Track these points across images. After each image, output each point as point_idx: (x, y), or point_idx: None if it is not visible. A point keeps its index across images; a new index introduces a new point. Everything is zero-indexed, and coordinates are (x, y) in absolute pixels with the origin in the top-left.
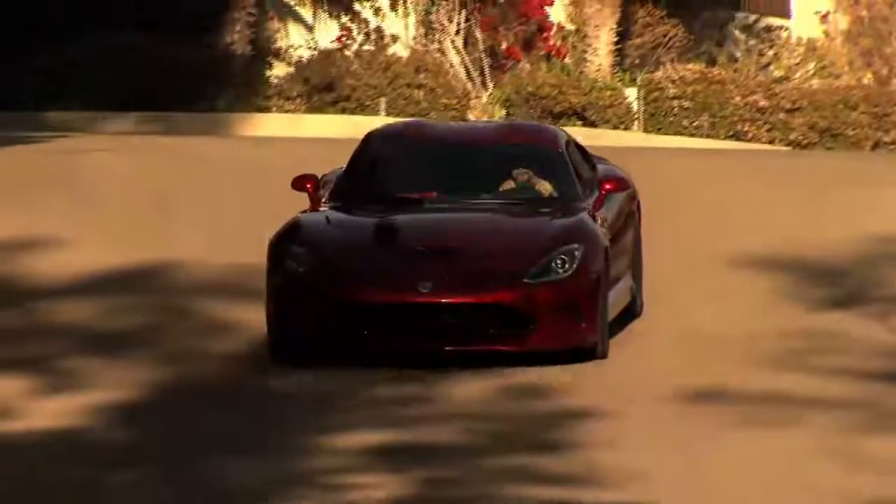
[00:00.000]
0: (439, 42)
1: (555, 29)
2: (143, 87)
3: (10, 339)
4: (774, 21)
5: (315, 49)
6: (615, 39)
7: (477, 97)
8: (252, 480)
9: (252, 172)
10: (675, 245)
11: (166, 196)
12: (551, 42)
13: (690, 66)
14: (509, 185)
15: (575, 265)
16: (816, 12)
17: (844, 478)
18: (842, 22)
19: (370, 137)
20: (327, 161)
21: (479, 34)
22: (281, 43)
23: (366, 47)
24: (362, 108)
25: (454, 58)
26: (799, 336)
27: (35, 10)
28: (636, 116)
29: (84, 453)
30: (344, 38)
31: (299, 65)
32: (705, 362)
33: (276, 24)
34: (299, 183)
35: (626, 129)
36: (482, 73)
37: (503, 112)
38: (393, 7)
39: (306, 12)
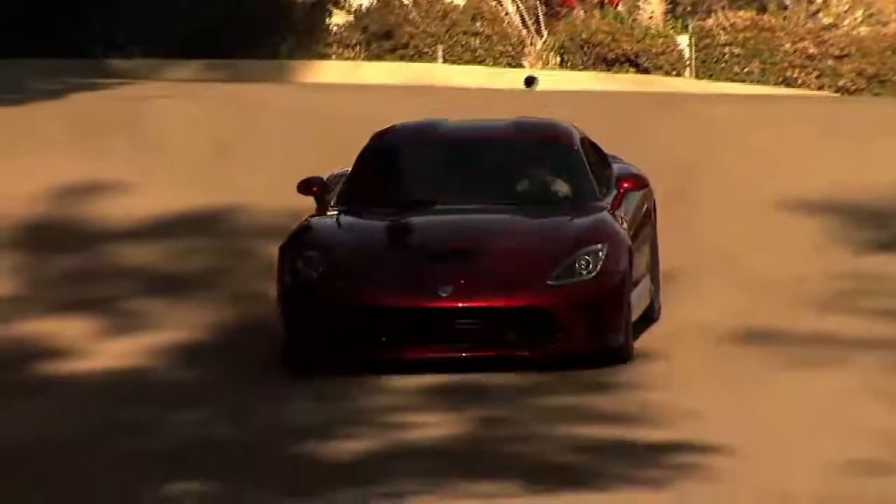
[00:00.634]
0: None
1: None
2: (205, 34)
3: (78, 281)
4: None
5: None
6: None
7: (532, 44)
8: (312, 418)
9: (312, 119)
10: (724, 190)
11: (228, 141)
12: None
13: (741, 13)
14: (523, 184)
15: (599, 266)
16: None
17: (888, 417)
18: None
19: (377, 139)
20: (385, 108)
21: None
22: None
23: None
24: (420, 56)
25: (510, 6)
26: (846, 278)
27: None
28: (688, 63)
29: (149, 392)
30: None
31: (358, 13)
32: (755, 304)
33: None
34: (305, 186)
35: (677, 75)
36: (537, 21)
37: (557, 59)
38: None
39: None
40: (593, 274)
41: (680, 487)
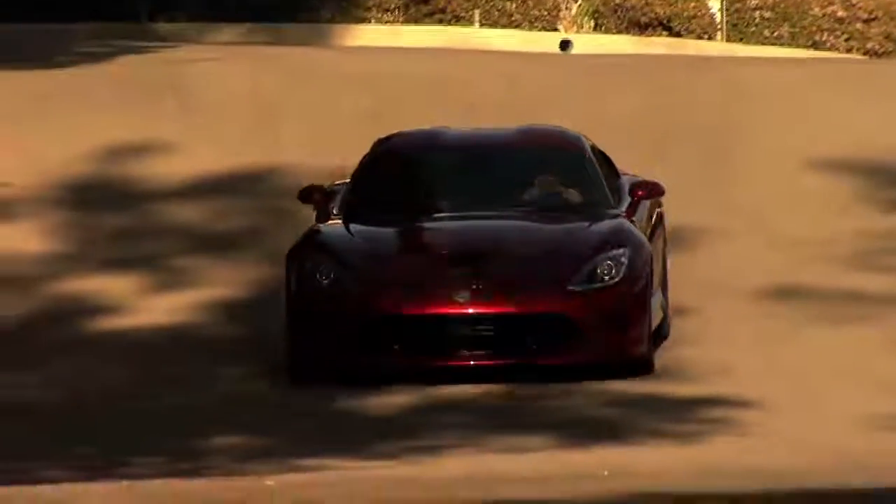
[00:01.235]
0: None
1: None
2: None
3: (125, 239)
4: None
5: None
6: None
7: (567, 8)
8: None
9: (353, 81)
10: (755, 152)
11: (272, 103)
12: None
13: None
14: (534, 191)
15: (623, 271)
16: None
17: None
18: None
19: (381, 145)
20: (425, 69)
21: None
22: None
23: None
24: (457, 20)
25: None
26: (874, 237)
27: None
28: (719, 27)
29: (193, 347)
30: None
31: None
32: (784, 262)
33: None
34: (307, 194)
35: (709, 39)
36: None
37: (591, 23)
38: None
39: None
40: (616, 280)
41: (711, 441)
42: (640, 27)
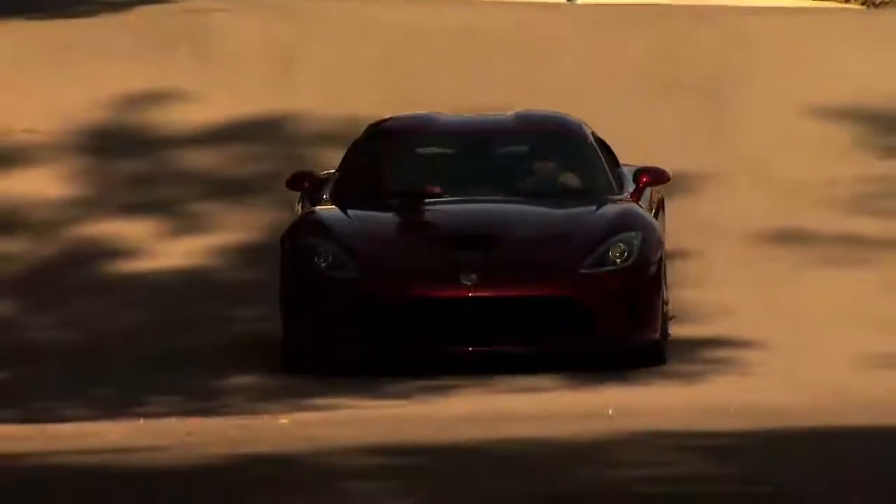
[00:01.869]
0: None
1: None
2: None
3: (142, 185)
4: None
5: None
6: None
7: None
8: None
9: (368, 32)
10: (756, 99)
11: (287, 53)
12: None
13: None
14: (534, 176)
15: (635, 254)
16: None
17: None
18: None
19: (374, 129)
20: (438, 19)
21: None
22: None
23: None
24: None
25: None
26: (872, 181)
27: None
28: None
29: (209, 290)
30: None
31: None
32: (785, 206)
33: None
34: (295, 181)
35: None
36: None
37: None
38: None
39: None
40: (629, 262)
41: (713, 380)
42: None
